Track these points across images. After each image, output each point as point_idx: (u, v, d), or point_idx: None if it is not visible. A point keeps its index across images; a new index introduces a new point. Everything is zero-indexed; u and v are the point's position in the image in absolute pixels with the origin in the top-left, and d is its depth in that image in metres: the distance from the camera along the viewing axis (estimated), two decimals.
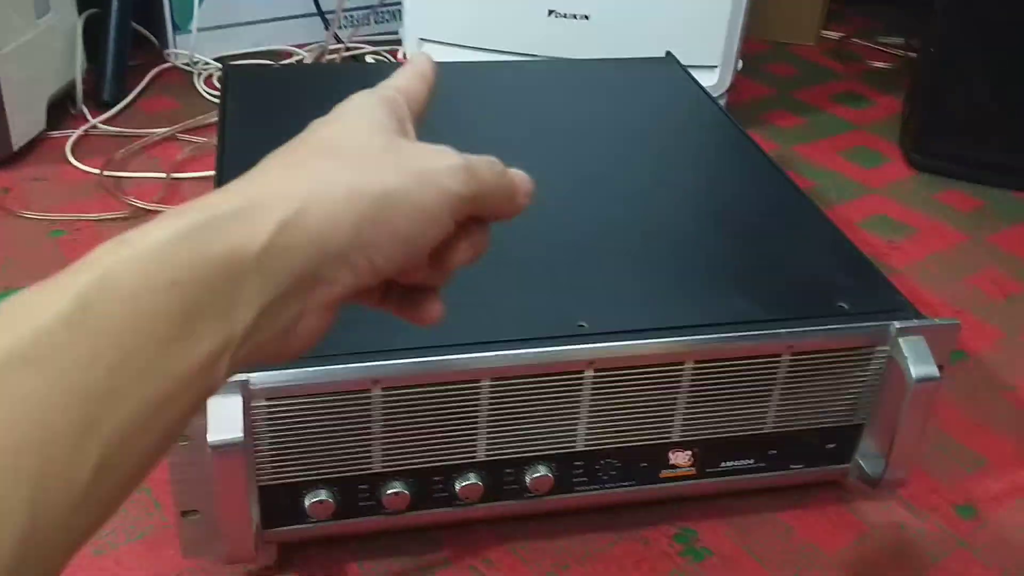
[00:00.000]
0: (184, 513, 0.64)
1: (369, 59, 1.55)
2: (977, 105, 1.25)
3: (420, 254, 0.38)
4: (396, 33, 1.59)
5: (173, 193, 1.16)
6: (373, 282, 0.37)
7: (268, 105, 0.94)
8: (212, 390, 0.32)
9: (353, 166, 0.37)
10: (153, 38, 1.50)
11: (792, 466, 0.74)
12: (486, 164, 0.40)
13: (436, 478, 0.67)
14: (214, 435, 0.59)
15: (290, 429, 0.63)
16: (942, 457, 0.83)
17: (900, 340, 0.68)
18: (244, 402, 0.60)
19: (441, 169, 0.38)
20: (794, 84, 1.59)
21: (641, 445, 0.70)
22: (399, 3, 1.52)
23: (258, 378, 0.60)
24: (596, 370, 0.65)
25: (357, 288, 0.37)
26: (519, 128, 0.93)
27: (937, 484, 0.80)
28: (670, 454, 0.71)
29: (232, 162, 0.83)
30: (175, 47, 1.49)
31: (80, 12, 1.34)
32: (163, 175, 1.18)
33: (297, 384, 0.61)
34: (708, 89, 1.04)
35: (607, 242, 0.76)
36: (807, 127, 1.43)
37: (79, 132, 1.27)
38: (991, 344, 0.98)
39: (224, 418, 0.59)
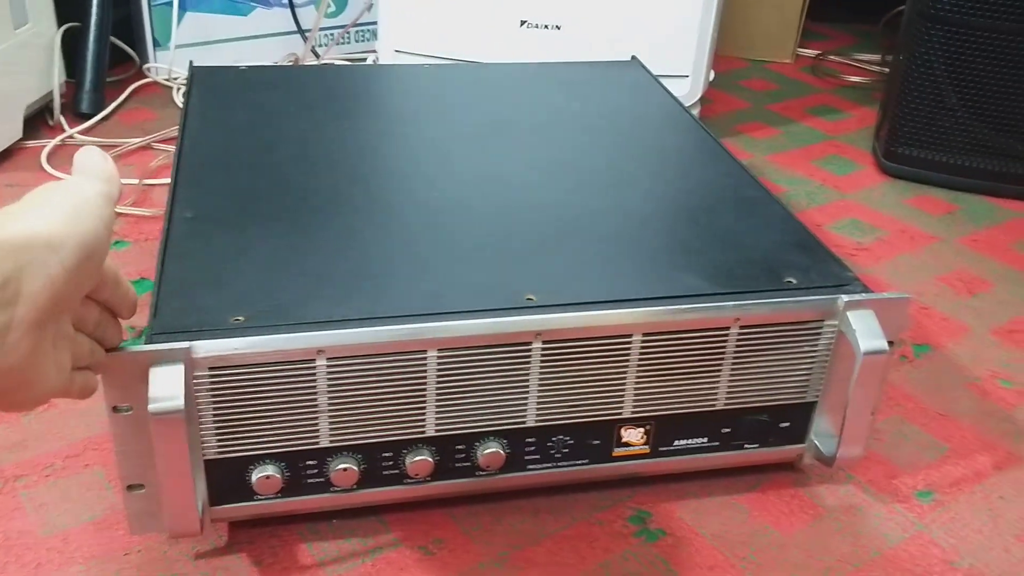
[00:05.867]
0: (129, 487, 0.64)
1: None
2: (947, 111, 1.26)
3: (99, 260, 0.50)
4: (374, 52, 1.61)
5: (145, 198, 1.16)
6: (67, 290, 0.48)
7: (231, 103, 0.94)
8: None
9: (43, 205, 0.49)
10: (133, 53, 1.52)
11: (747, 446, 0.73)
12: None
13: (385, 453, 0.67)
14: (155, 404, 0.58)
15: (234, 400, 0.62)
16: (903, 444, 0.83)
17: (848, 313, 0.68)
18: (186, 371, 0.60)
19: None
20: (770, 98, 1.60)
21: (593, 421, 0.69)
22: (376, 22, 1.54)
23: (201, 346, 0.60)
24: (544, 342, 0.65)
25: (56, 298, 0.47)
26: (482, 121, 0.94)
27: (897, 470, 0.80)
28: (622, 431, 0.70)
29: (189, 156, 0.84)
30: (155, 62, 1.50)
31: (59, 25, 1.35)
32: (135, 181, 1.19)
33: (240, 353, 0.61)
34: (680, 99, 1.05)
35: (559, 221, 0.76)
36: (781, 138, 1.45)
37: (55, 141, 1.28)
38: (956, 338, 0.98)
39: (165, 386, 0.59)
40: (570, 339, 0.66)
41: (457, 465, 0.69)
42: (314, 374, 0.63)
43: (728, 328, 0.67)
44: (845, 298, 0.68)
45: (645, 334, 0.66)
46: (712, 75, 1.35)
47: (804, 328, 0.69)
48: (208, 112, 0.92)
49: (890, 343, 0.68)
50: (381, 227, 0.75)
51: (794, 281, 0.70)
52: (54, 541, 0.69)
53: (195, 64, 1.04)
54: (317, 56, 1.58)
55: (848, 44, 1.85)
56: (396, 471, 0.68)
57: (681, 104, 1.00)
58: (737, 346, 0.68)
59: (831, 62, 1.76)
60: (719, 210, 0.79)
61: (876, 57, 1.76)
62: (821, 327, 0.69)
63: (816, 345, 0.69)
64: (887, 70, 1.67)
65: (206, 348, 0.61)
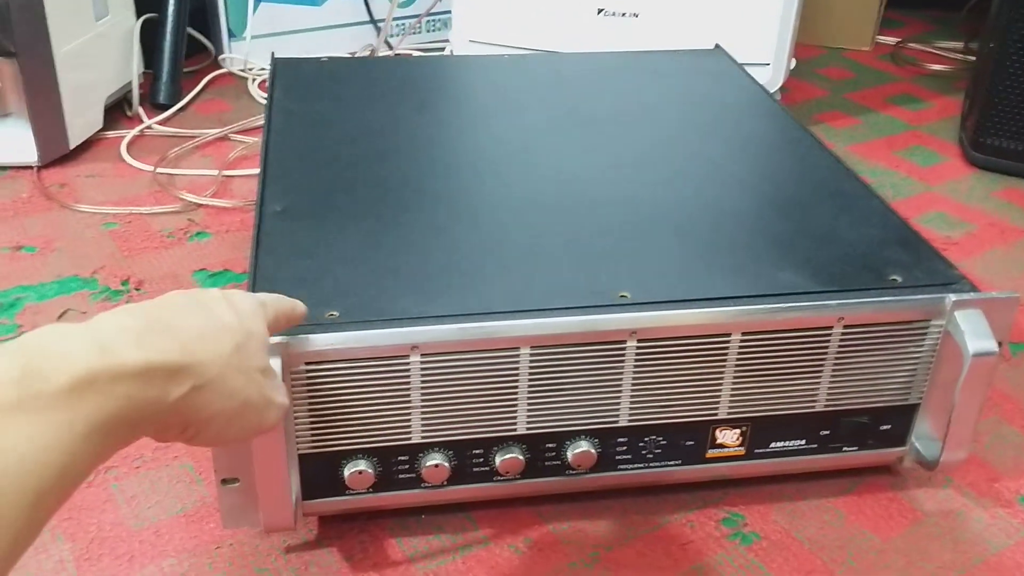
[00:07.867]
0: (224, 481, 0.64)
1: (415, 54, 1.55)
2: None
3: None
4: (446, 41, 1.60)
5: (224, 189, 1.17)
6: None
7: (313, 96, 0.94)
8: None
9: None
10: (209, 44, 1.53)
11: (845, 448, 0.71)
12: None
13: (476, 451, 0.66)
14: None
15: (329, 394, 0.62)
16: (1004, 447, 0.80)
17: (956, 313, 0.65)
18: (283, 365, 0.60)
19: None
20: (849, 86, 1.56)
21: (687, 421, 0.68)
22: (448, 12, 1.53)
23: (298, 341, 0.60)
24: (639, 340, 0.64)
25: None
26: (567, 113, 0.92)
27: (997, 473, 0.77)
28: (717, 432, 0.69)
29: (276, 149, 0.84)
30: (230, 53, 1.51)
31: (137, 16, 1.36)
32: (215, 172, 1.20)
33: (336, 348, 0.61)
34: None
35: (650, 216, 0.75)
36: (862, 127, 1.41)
37: (134, 132, 1.29)
38: None
39: None
40: (666, 338, 0.64)
41: (547, 464, 0.68)
42: (408, 370, 0.62)
43: (831, 328, 0.65)
44: (953, 297, 0.65)
45: (744, 334, 0.64)
46: (793, 63, 1.32)
47: (909, 328, 0.66)
48: (291, 105, 0.92)
49: (998, 344, 0.66)
50: (469, 221, 0.74)
51: (899, 279, 0.67)
52: (146, 533, 0.70)
53: (276, 56, 1.04)
54: (390, 46, 1.57)
55: (928, 31, 1.80)
56: (486, 468, 0.67)
57: (770, 95, 0.98)
58: (840, 346, 0.66)
59: (911, 49, 1.71)
60: (815, 204, 0.77)
61: (958, 44, 1.71)
62: (927, 327, 0.66)
63: (921, 346, 0.67)
64: (970, 58, 1.62)
65: (303, 343, 0.60)
